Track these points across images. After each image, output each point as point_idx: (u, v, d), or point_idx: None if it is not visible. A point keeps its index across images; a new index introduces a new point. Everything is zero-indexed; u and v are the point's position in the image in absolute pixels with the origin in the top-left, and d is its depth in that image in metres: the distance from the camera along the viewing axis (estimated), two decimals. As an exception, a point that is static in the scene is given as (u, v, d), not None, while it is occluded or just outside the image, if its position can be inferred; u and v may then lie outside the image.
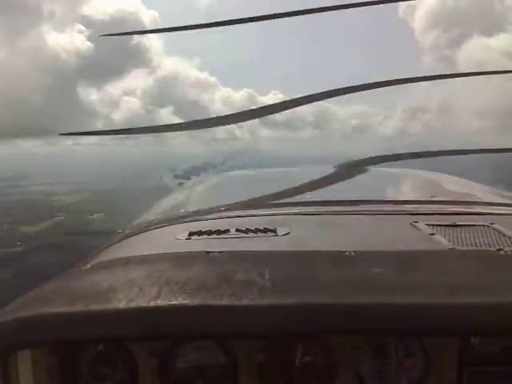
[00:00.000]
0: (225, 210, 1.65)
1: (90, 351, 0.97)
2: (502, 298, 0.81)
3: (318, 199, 1.76)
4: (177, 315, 0.78)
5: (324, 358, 0.97)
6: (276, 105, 1.76)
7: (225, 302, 0.79)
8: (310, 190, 1.90)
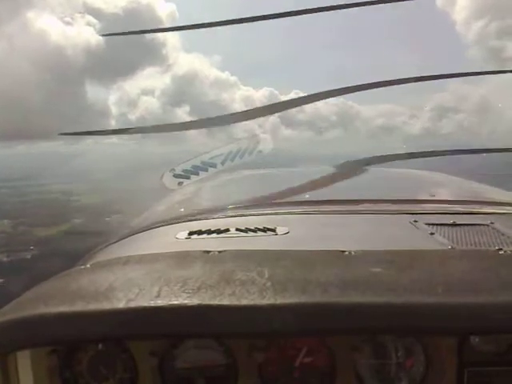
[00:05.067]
0: (225, 210, 1.66)
1: (89, 351, 0.97)
2: (501, 298, 0.81)
3: (318, 199, 1.76)
4: (177, 315, 0.78)
5: (324, 357, 0.98)
6: (294, 100, 1.76)
7: (225, 301, 0.79)
8: (310, 190, 1.91)
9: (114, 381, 0.98)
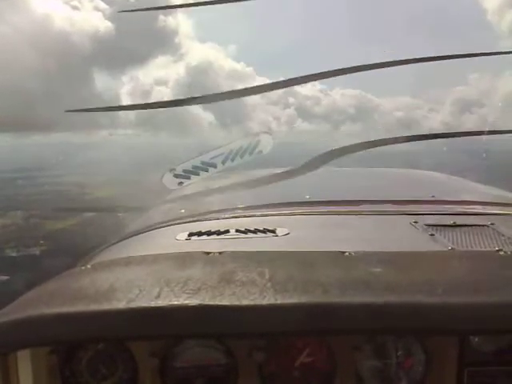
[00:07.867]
0: (225, 211, 1.65)
1: (89, 351, 0.97)
2: (501, 298, 0.81)
3: (318, 199, 1.76)
4: (177, 315, 0.78)
5: (324, 358, 0.98)
6: (295, 79, 1.72)
7: (225, 301, 0.79)
8: (310, 190, 1.90)
9: (114, 380, 0.99)
